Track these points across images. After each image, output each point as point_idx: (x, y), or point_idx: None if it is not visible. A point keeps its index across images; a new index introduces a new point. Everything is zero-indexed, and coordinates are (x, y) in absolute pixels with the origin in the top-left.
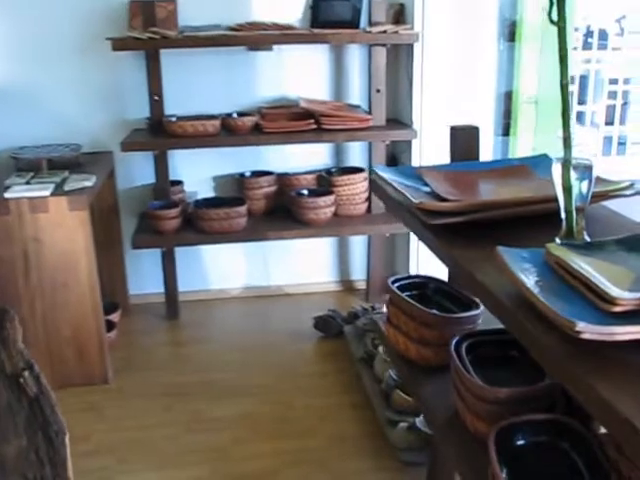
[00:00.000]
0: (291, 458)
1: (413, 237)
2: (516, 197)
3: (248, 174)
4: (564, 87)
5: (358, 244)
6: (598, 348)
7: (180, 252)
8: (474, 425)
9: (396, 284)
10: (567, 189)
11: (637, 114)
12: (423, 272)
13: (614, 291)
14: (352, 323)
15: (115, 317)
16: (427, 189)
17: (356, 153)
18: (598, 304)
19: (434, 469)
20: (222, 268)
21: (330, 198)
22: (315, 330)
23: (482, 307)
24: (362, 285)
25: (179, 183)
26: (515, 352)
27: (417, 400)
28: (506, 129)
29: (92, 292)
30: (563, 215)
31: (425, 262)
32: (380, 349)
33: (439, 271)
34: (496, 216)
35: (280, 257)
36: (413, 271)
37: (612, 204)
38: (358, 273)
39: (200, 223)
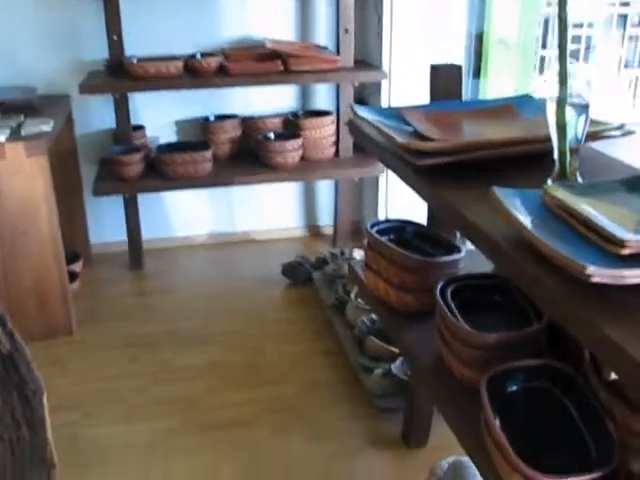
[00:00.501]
0: (265, 406)
1: (382, 181)
2: (506, 137)
3: (212, 118)
4: (562, 20)
5: (325, 188)
6: (604, 291)
7: (143, 199)
8: (460, 371)
9: (374, 228)
10: (561, 128)
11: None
12: (392, 216)
13: (622, 233)
14: (321, 269)
15: (77, 267)
16: (409, 129)
17: (323, 96)
18: (605, 247)
19: (411, 414)
20: (187, 215)
21: (297, 142)
22: (283, 277)
23: (464, 251)
24: (329, 230)
25: (140, 128)
26: (498, 297)
27: (399, 346)
28: (478, 71)
29: (53, 240)
30: (556, 155)
31: (394, 206)
32: (352, 295)
33: (410, 215)
34: (486, 156)
35: (246, 203)
36: (382, 216)
37: (596, 145)
38: (325, 218)
39: (164, 168)
